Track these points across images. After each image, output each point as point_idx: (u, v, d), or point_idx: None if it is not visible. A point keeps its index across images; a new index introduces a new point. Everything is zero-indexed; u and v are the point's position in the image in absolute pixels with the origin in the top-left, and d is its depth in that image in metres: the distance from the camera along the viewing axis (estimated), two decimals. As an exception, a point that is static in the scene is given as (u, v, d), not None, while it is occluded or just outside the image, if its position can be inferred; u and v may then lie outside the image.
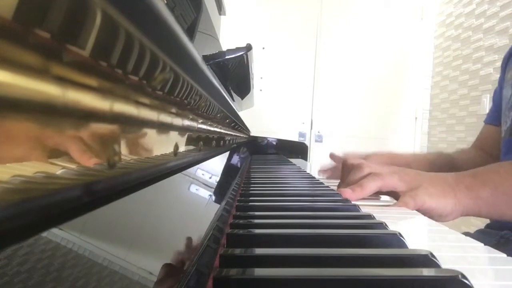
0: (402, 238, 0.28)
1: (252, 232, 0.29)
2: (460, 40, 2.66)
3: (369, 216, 0.36)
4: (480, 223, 0.84)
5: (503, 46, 2.19)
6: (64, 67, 0.11)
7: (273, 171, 0.84)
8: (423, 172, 0.56)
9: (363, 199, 0.53)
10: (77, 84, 0.12)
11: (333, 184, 0.64)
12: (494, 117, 0.93)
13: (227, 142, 0.71)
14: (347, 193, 0.52)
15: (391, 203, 0.53)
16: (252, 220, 0.33)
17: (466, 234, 0.81)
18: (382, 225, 0.32)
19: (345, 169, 0.62)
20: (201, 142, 0.39)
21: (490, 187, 0.52)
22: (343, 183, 0.59)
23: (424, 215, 0.48)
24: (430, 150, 2.91)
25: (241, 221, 0.32)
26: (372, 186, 0.53)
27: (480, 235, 0.80)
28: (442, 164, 0.88)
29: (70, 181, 0.13)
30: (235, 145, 0.91)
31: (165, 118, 0.24)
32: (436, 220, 0.49)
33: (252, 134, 1.54)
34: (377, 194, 0.57)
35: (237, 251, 0.24)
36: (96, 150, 0.15)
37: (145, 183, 0.21)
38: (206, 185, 0.40)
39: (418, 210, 0.50)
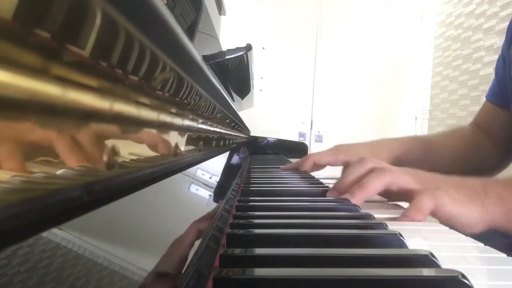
0: (402, 238, 0.28)
1: (252, 232, 0.29)
2: (460, 40, 2.66)
3: (369, 216, 0.36)
4: None
5: (503, 46, 2.19)
6: (64, 67, 0.11)
7: (273, 171, 0.84)
8: (442, 175, 0.48)
9: (373, 203, 0.46)
10: (77, 84, 0.12)
11: (333, 184, 0.64)
12: (498, 96, 0.82)
13: (227, 142, 0.71)
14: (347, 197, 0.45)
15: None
16: (252, 220, 0.33)
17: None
18: (382, 225, 0.32)
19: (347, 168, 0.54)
20: (201, 142, 0.39)
21: None
22: (340, 182, 0.50)
23: (443, 222, 0.41)
24: (430, 150, 2.91)
25: (241, 221, 0.32)
26: (376, 184, 0.45)
27: (486, 234, 0.76)
28: (413, 147, 0.81)
29: (70, 181, 0.13)
30: (235, 145, 0.91)
31: (165, 118, 0.24)
32: (457, 230, 0.41)
33: (252, 134, 1.54)
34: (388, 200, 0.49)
35: (237, 251, 0.24)
36: (96, 150, 0.15)
37: (145, 183, 0.21)
38: (206, 185, 0.40)
39: (435, 214, 0.42)
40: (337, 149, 0.78)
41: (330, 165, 0.78)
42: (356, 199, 0.44)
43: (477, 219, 0.43)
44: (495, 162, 0.84)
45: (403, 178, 0.45)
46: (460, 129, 0.91)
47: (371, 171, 0.47)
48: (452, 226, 0.42)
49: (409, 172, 0.47)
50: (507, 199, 0.44)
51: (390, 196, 0.50)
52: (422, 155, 0.81)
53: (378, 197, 0.52)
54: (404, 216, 0.41)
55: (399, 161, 0.79)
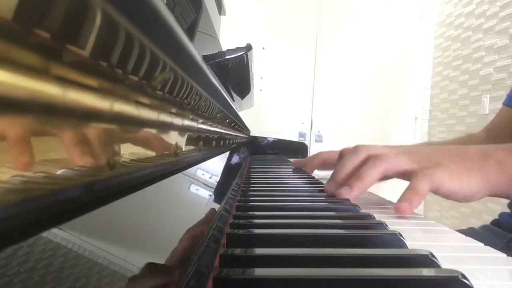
0: (402, 238, 0.28)
1: (252, 232, 0.29)
2: (460, 40, 2.66)
3: (369, 216, 0.36)
4: (490, 217, 0.81)
5: (503, 46, 2.19)
6: (64, 67, 0.12)
7: (273, 171, 0.84)
8: (440, 147, 0.47)
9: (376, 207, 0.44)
10: (77, 84, 0.12)
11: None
12: None
13: (227, 142, 0.71)
14: (344, 193, 0.44)
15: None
16: (252, 220, 0.33)
17: (471, 229, 0.79)
18: (382, 225, 0.32)
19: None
20: (201, 142, 0.39)
21: None
22: (337, 174, 0.48)
23: (445, 198, 0.41)
24: (430, 150, 2.91)
25: (241, 221, 0.32)
26: (373, 173, 0.44)
27: (486, 233, 0.75)
28: None
29: (70, 181, 0.13)
30: (235, 145, 0.91)
31: (165, 118, 0.24)
32: (460, 201, 0.42)
33: (252, 134, 1.54)
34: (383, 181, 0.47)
35: (237, 251, 0.24)
36: (96, 150, 0.15)
37: (145, 183, 0.21)
38: (206, 185, 0.40)
39: (436, 193, 0.42)
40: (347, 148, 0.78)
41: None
42: (355, 191, 0.44)
43: (477, 188, 0.42)
44: None
45: (398, 161, 0.44)
46: (473, 136, 0.90)
47: (367, 159, 0.46)
48: (453, 199, 0.42)
49: (404, 152, 0.46)
50: (508, 164, 0.43)
51: (390, 178, 0.49)
52: None
53: (379, 197, 0.52)
54: (402, 199, 0.41)
55: None
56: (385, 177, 0.48)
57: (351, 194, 0.45)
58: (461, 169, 0.42)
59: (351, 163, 0.48)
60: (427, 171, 0.42)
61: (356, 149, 0.49)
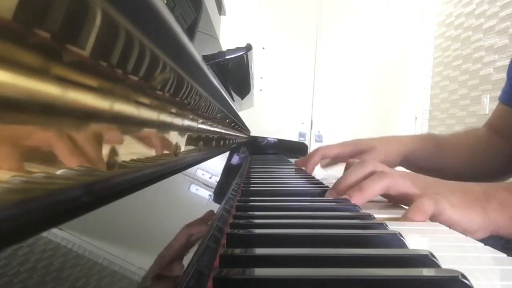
0: (402, 238, 0.28)
1: (252, 232, 0.29)
2: (460, 40, 2.66)
3: (369, 216, 0.36)
4: None
5: (503, 46, 2.19)
6: (64, 67, 0.12)
7: (273, 171, 0.84)
8: (442, 180, 0.47)
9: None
10: (77, 84, 0.12)
11: (333, 184, 0.64)
12: (510, 97, 0.82)
13: (227, 142, 0.71)
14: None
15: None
16: (252, 220, 0.33)
17: None
18: (382, 225, 0.32)
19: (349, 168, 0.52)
20: (201, 142, 0.39)
21: None
22: (339, 183, 0.49)
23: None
24: (430, 150, 2.91)
25: (241, 221, 0.32)
26: (376, 187, 0.45)
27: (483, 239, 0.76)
28: (427, 144, 0.80)
29: (70, 181, 0.13)
30: (235, 145, 0.91)
31: (165, 118, 0.24)
32: (470, 234, 0.41)
33: (252, 134, 1.54)
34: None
35: (237, 251, 0.24)
36: (96, 150, 0.15)
37: (145, 183, 0.21)
38: (206, 185, 0.40)
39: (435, 220, 0.42)
40: (346, 141, 0.78)
41: (339, 158, 0.78)
42: (354, 201, 0.44)
43: (478, 225, 0.42)
44: (509, 165, 0.84)
45: (402, 183, 0.45)
46: (475, 130, 0.90)
47: (371, 173, 0.47)
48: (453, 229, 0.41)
49: (409, 176, 0.47)
50: (510, 205, 0.43)
51: (389, 199, 0.50)
52: (434, 152, 0.81)
53: (379, 197, 0.52)
54: (405, 217, 0.41)
55: (411, 156, 0.79)
56: (386, 196, 0.48)
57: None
58: (463, 202, 0.43)
59: (355, 175, 0.48)
60: (432, 195, 0.42)
61: (363, 162, 0.49)
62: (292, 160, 1.22)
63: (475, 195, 0.44)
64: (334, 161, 0.82)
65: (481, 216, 0.42)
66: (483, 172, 0.81)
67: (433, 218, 0.42)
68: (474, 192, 0.44)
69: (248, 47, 0.63)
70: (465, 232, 0.41)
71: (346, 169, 0.55)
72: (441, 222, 0.41)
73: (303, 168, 0.82)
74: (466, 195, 0.44)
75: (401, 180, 0.45)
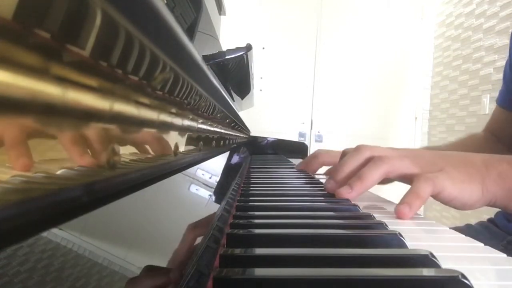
0: (402, 238, 0.28)
1: (252, 232, 0.29)
2: (460, 40, 2.66)
3: (369, 216, 0.36)
4: (489, 217, 0.81)
5: (503, 46, 2.19)
6: (64, 67, 0.12)
7: (273, 171, 0.84)
8: (443, 152, 0.47)
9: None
10: (77, 84, 0.12)
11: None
12: (506, 100, 0.82)
13: (227, 142, 0.71)
14: (343, 193, 0.44)
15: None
16: (252, 220, 0.33)
17: (468, 226, 0.79)
18: (382, 225, 0.32)
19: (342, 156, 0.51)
20: (201, 142, 0.39)
21: None
22: (335, 174, 0.48)
23: (444, 204, 0.42)
24: (430, 150, 2.91)
25: (241, 221, 0.32)
26: (374, 175, 0.44)
27: (484, 231, 0.75)
28: None
29: (70, 181, 0.13)
30: (235, 145, 0.91)
31: (165, 118, 0.24)
32: (458, 209, 0.43)
33: (252, 134, 1.54)
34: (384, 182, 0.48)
35: (237, 251, 0.24)
36: (96, 150, 0.15)
37: (145, 183, 0.21)
38: (206, 185, 0.40)
39: (436, 198, 0.42)
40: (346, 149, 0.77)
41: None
42: (355, 191, 0.44)
43: (477, 197, 0.43)
44: None
45: (401, 164, 0.45)
46: (472, 136, 0.91)
47: (369, 159, 0.46)
48: (453, 205, 0.43)
49: (408, 155, 0.46)
50: (509, 177, 0.43)
51: (391, 180, 0.49)
52: None
53: (378, 196, 0.52)
54: (403, 203, 0.41)
55: None
56: (387, 179, 0.47)
57: (351, 194, 0.45)
58: (463, 176, 0.43)
59: (353, 163, 0.47)
60: (430, 175, 0.42)
61: (358, 149, 0.48)
62: (292, 160, 1.22)
63: (475, 166, 0.44)
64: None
65: (480, 187, 0.43)
66: None
67: (434, 197, 0.42)
68: (476, 163, 0.44)
69: (248, 47, 0.63)
70: (464, 204, 0.42)
71: (342, 156, 0.54)
72: (441, 199, 0.42)
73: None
74: (467, 167, 0.44)
75: (400, 162, 0.45)
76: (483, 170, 0.44)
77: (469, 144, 0.87)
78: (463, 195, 0.42)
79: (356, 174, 0.45)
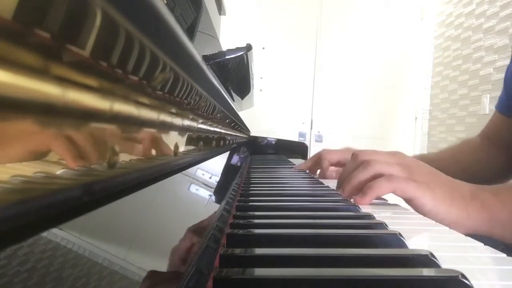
0: (402, 238, 0.28)
1: (252, 232, 0.29)
2: (460, 40, 2.66)
3: (369, 216, 0.36)
4: None
5: (503, 46, 2.19)
6: (64, 67, 0.11)
7: (273, 171, 0.84)
8: (438, 173, 0.50)
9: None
10: (77, 84, 0.12)
11: (333, 184, 0.64)
12: (506, 106, 0.83)
13: (227, 142, 0.71)
14: (357, 198, 0.47)
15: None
16: (252, 220, 0.33)
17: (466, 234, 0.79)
18: (382, 225, 0.32)
19: (351, 163, 0.53)
20: (201, 142, 0.39)
21: (510, 211, 0.45)
22: (345, 181, 0.51)
23: (421, 214, 0.44)
24: (430, 150, 2.91)
25: (241, 221, 0.32)
26: (384, 190, 0.47)
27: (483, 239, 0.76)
28: None
29: (70, 181, 0.13)
30: (235, 145, 0.91)
31: (165, 118, 0.24)
32: (447, 225, 0.43)
33: (252, 134, 1.54)
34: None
35: (237, 251, 0.24)
36: (96, 150, 0.15)
37: (145, 183, 0.21)
38: (206, 185, 0.40)
39: (409, 204, 0.45)
40: (349, 148, 0.77)
41: (339, 164, 0.77)
42: (367, 199, 0.47)
43: (456, 220, 0.44)
44: (505, 173, 0.84)
45: (406, 187, 0.46)
46: (468, 142, 0.91)
47: (375, 176, 0.48)
48: (431, 219, 0.44)
49: (412, 177, 0.47)
50: (491, 207, 0.45)
51: None
52: None
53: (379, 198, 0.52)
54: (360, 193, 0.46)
55: None
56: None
57: (361, 200, 0.47)
58: (446, 196, 0.45)
59: (361, 176, 0.50)
60: (403, 178, 0.46)
61: (369, 163, 0.50)
62: (292, 160, 1.22)
63: (461, 193, 0.47)
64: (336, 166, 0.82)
65: (460, 213, 0.45)
66: (480, 182, 0.82)
67: (408, 202, 0.45)
68: (461, 190, 0.47)
69: (248, 47, 0.62)
70: (441, 222, 0.43)
71: (351, 158, 0.56)
72: (415, 208, 0.45)
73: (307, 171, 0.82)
74: (453, 191, 0.46)
75: (407, 185, 0.46)
76: (467, 199, 0.46)
77: (465, 150, 0.88)
78: (438, 211, 0.44)
79: (368, 184, 0.48)
